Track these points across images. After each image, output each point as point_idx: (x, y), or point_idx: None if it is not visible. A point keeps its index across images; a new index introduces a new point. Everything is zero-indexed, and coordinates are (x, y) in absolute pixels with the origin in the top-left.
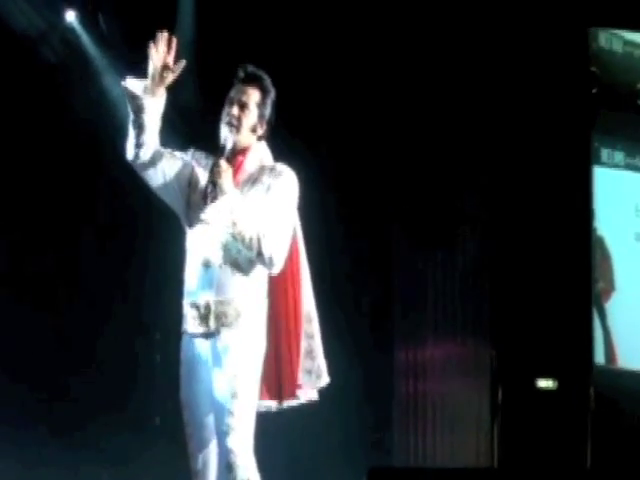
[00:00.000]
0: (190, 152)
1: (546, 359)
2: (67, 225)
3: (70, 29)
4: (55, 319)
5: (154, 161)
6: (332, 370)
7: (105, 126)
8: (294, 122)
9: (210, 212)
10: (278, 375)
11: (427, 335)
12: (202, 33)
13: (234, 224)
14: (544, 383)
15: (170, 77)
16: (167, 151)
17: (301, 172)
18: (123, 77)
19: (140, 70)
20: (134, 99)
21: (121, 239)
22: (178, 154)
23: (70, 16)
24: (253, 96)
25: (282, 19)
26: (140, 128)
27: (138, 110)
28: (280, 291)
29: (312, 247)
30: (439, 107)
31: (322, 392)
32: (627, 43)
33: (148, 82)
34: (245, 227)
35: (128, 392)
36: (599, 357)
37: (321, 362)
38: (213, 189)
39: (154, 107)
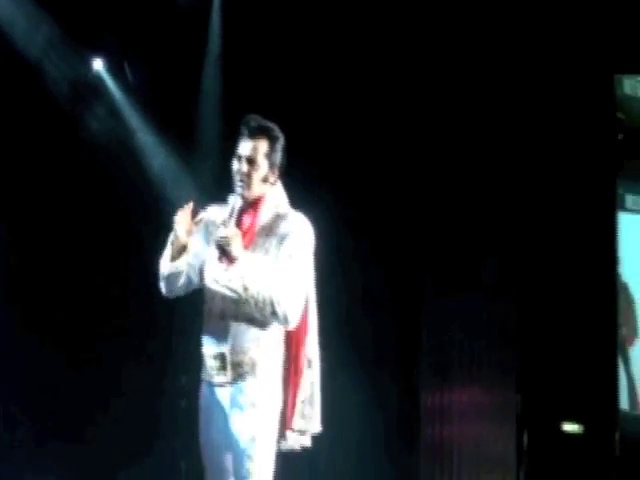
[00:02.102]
0: (201, 215)
1: (571, 403)
2: (95, 278)
3: (97, 77)
4: (81, 365)
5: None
6: (358, 417)
7: (130, 178)
8: (313, 167)
9: (221, 279)
10: None
11: (453, 380)
12: (228, 82)
13: (246, 289)
14: (570, 427)
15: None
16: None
17: (319, 217)
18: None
19: (165, 113)
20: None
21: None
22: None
23: (97, 64)
24: (261, 148)
25: (306, 69)
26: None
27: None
28: (288, 339)
29: (332, 294)
30: (460, 163)
31: (349, 439)
32: None
33: (173, 251)
34: (257, 290)
35: (153, 437)
36: (623, 403)
37: (317, 408)
38: (223, 255)
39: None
